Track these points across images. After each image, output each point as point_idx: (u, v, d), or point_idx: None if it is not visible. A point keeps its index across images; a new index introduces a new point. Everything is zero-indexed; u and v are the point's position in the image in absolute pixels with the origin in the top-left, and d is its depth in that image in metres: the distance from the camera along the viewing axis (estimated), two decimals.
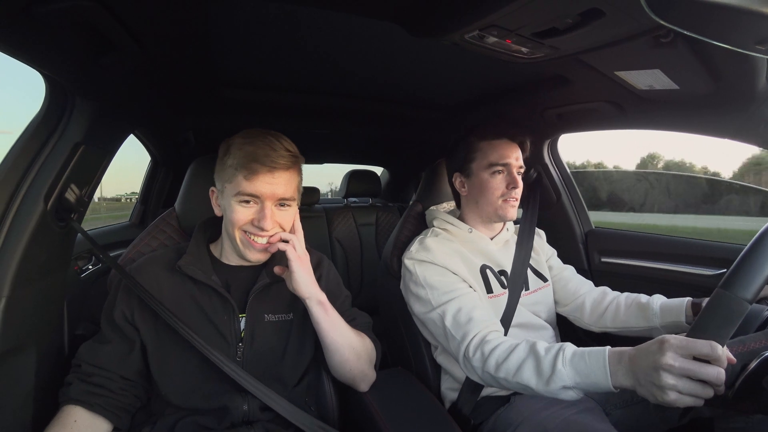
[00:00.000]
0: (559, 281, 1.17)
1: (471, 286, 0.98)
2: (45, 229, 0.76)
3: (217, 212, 0.83)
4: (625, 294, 1.09)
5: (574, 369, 0.71)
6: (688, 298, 0.95)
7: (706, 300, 0.93)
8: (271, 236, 0.78)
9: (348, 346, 0.83)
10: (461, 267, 0.99)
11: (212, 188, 0.84)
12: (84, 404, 0.71)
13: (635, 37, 0.65)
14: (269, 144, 0.76)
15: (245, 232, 0.78)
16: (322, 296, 0.81)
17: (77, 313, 1.14)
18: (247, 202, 0.76)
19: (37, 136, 0.75)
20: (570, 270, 1.20)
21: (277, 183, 0.76)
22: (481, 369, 0.83)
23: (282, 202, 0.78)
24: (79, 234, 0.88)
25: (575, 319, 1.14)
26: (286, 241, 0.78)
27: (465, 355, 0.87)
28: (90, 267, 1.42)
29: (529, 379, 0.75)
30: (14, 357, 0.73)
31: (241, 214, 0.76)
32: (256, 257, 0.80)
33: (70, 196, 0.80)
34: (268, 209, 0.76)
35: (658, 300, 1.00)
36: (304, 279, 0.78)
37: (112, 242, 1.64)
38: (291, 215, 0.81)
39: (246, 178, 0.75)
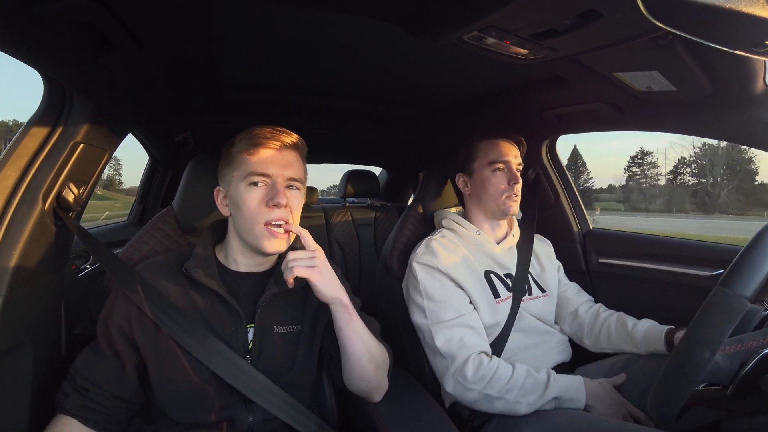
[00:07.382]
0: (562, 297, 1.19)
1: (471, 299, 1.00)
2: (43, 228, 0.76)
3: (225, 212, 0.79)
4: (616, 315, 1.11)
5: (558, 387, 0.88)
6: (668, 327, 0.97)
7: (681, 330, 0.95)
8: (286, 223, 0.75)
9: (369, 355, 0.79)
10: (464, 274, 1.01)
11: (217, 188, 0.80)
12: (79, 418, 0.70)
13: (633, 38, 0.66)
14: (273, 128, 0.76)
15: (267, 225, 0.73)
16: (347, 299, 0.77)
17: (75, 313, 1.14)
18: (256, 183, 0.73)
19: (36, 135, 0.75)
20: (574, 288, 1.22)
21: (285, 160, 0.75)
22: (479, 390, 0.89)
23: (291, 184, 0.76)
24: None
25: (577, 339, 1.16)
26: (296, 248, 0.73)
27: (458, 376, 0.91)
28: (88, 266, 1.42)
29: (532, 398, 0.87)
30: (12, 356, 0.73)
31: (252, 197, 0.73)
32: (276, 247, 0.75)
33: (68, 195, 0.79)
34: (279, 185, 0.74)
35: (643, 327, 1.02)
36: (325, 284, 0.74)
37: (110, 242, 1.63)
38: (300, 200, 0.78)
39: (253, 156, 0.73)
